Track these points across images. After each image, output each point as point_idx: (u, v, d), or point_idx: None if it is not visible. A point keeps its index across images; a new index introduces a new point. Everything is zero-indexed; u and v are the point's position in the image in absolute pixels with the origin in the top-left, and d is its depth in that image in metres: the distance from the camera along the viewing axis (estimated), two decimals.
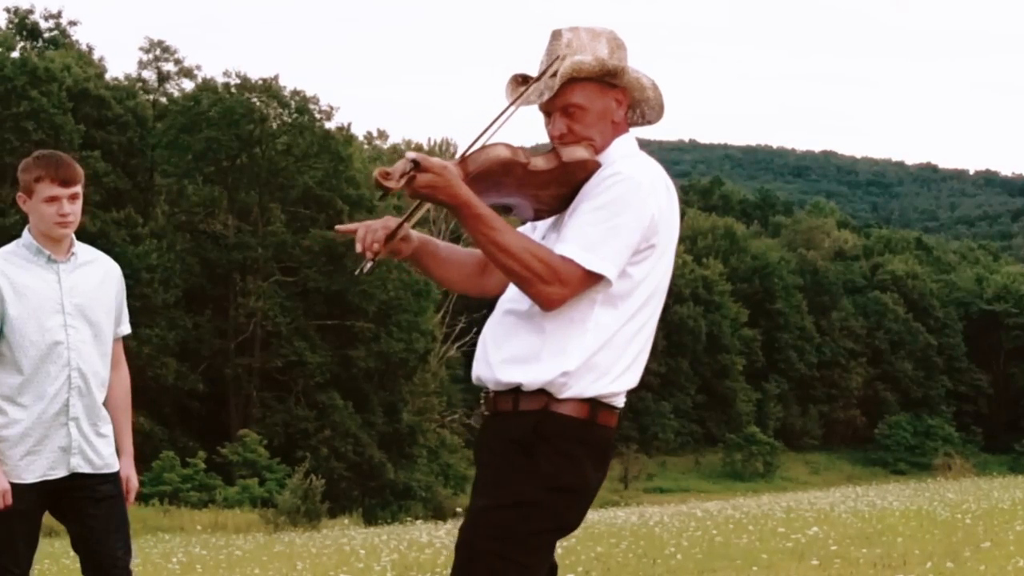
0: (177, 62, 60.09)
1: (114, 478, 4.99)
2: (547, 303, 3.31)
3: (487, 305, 3.47)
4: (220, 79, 55.85)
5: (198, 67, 60.23)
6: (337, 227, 3.55)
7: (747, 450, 73.57)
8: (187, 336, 50.54)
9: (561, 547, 8.78)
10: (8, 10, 57.71)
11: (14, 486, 4.75)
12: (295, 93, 55.24)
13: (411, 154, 3.19)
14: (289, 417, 50.73)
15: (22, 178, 4.88)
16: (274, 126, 55.45)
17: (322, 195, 55.30)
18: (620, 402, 3.43)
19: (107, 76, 58.65)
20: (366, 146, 77.18)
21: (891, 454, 79.59)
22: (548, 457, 3.32)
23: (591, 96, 3.44)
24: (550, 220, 3.54)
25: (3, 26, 57.01)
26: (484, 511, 3.35)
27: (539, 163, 3.36)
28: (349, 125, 60.18)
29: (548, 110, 3.47)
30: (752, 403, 77.60)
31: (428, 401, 56.74)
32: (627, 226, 3.32)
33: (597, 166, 3.42)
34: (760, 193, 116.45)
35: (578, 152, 3.40)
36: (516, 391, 3.37)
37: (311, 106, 55.35)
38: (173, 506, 38.46)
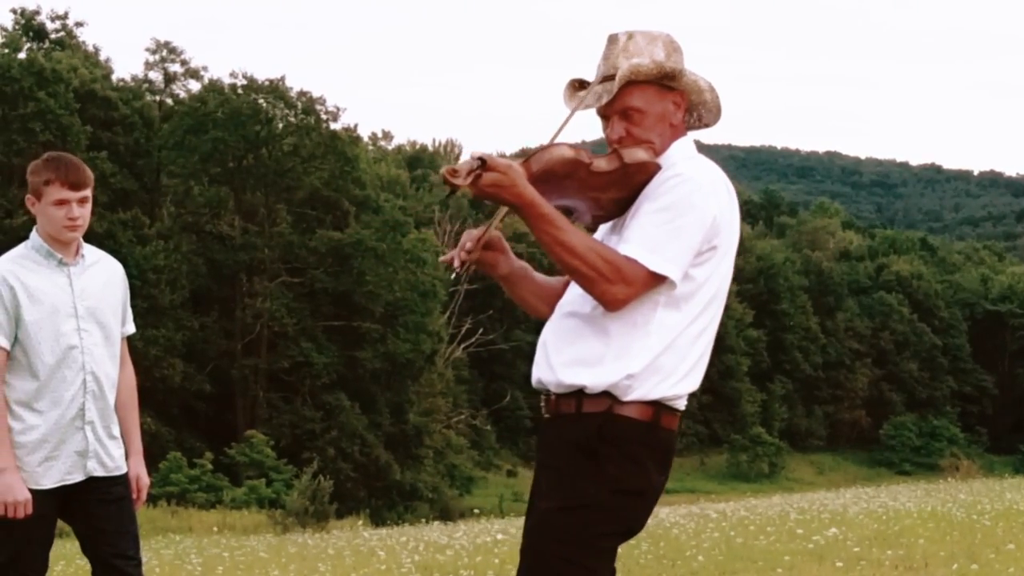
0: (183, 63, 60.15)
1: (123, 480, 4.98)
2: (612, 303, 3.32)
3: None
4: (226, 80, 55.99)
5: (204, 68, 60.30)
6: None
7: (752, 451, 73.50)
8: (194, 337, 50.57)
9: None
10: (14, 11, 57.76)
11: (32, 492, 4.73)
12: (301, 94, 55.32)
13: (477, 152, 3.21)
14: (296, 418, 50.76)
15: (31, 180, 4.83)
16: (280, 127, 55.51)
17: (328, 196, 55.37)
18: (682, 405, 3.45)
19: (113, 77, 58.77)
20: (371, 147, 77.24)
21: (896, 455, 79.54)
22: (612, 460, 3.33)
23: (649, 99, 3.45)
24: (608, 225, 3.55)
25: (10, 27, 57.10)
26: (549, 514, 3.35)
27: (601, 164, 3.36)
28: (356, 126, 60.15)
29: (606, 114, 3.48)
30: (757, 404, 77.52)
31: (434, 402, 56.77)
32: (690, 227, 3.33)
33: (657, 169, 3.43)
34: (764, 194, 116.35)
35: (639, 154, 3.41)
36: (579, 393, 3.37)
37: (317, 107, 55.44)
38: (180, 507, 38.48)
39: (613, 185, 3.39)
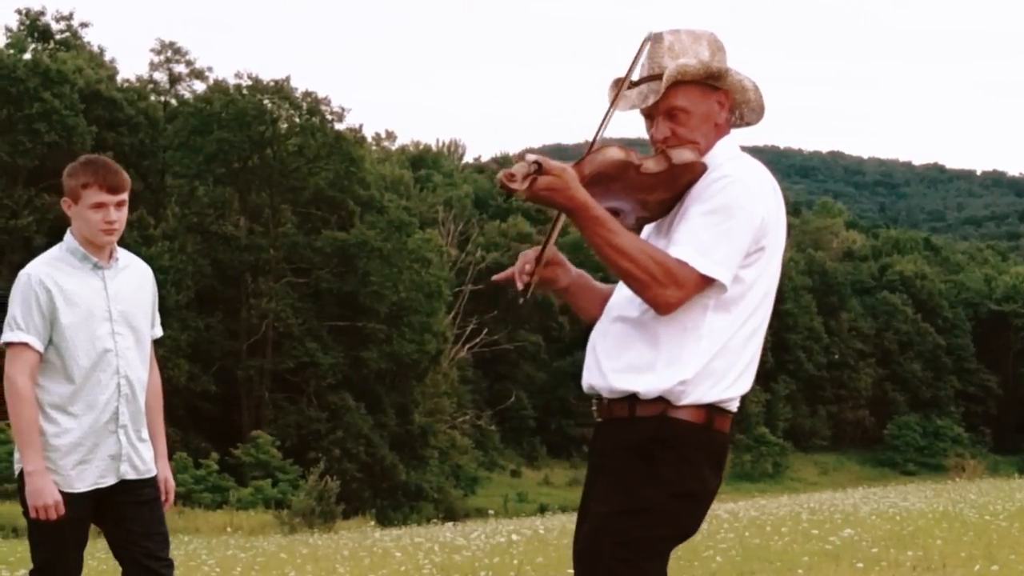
0: (188, 63, 60.26)
1: (153, 482, 4.99)
2: (663, 306, 3.30)
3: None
4: (231, 80, 56.11)
5: (209, 68, 60.50)
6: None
7: (756, 451, 73.49)
8: (199, 338, 50.58)
9: None
10: (19, 12, 57.76)
11: (66, 495, 4.73)
12: (306, 95, 55.36)
13: (532, 156, 3.20)
14: (301, 418, 50.80)
15: (68, 183, 4.82)
16: (285, 127, 55.58)
17: (333, 196, 55.44)
18: (734, 407, 3.43)
19: (118, 78, 58.83)
20: (375, 147, 77.22)
21: (900, 455, 79.57)
22: (669, 463, 3.33)
23: (695, 99, 3.44)
24: (652, 227, 3.54)
25: (15, 28, 57.10)
26: (607, 518, 3.35)
27: (650, 165, 3.35)
28: (360, 126, 60.27)
29: (651, 114, 3.47)
30: (761, 404, 77.44)
31: (439, 402, 56.82)
32: (739, 229, 3.32)
33: (703, 169, 3.41)
34: None
35: (686, 154, 3.40)
36: (632, 397, 3.36)
37: (322, 107, 55.49)
38: (187, 507, 38.48)
39: (660, 186, 3.38)
